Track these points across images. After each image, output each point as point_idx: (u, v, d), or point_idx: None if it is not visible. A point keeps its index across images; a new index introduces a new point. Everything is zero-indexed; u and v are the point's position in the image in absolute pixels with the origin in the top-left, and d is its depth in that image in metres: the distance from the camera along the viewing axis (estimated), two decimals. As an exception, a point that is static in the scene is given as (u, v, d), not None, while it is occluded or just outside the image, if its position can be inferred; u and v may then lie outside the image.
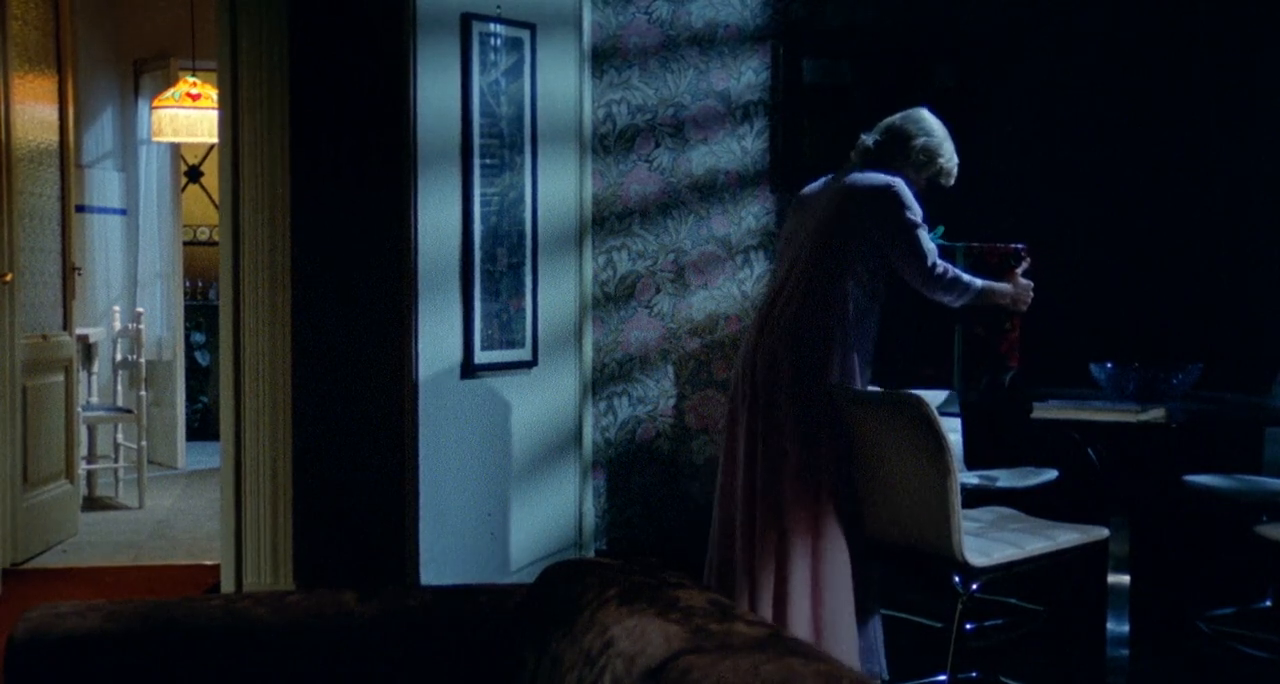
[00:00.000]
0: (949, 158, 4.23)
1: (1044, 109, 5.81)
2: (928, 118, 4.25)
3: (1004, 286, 4.21)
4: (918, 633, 4.59)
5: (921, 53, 5.79)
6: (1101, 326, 5.57)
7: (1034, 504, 4.45)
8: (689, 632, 1.81)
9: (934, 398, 4.18)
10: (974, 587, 3.82)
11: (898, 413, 3.80)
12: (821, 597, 3.95)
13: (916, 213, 4.06)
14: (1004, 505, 4.43)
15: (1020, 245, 4.31)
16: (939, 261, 4.06)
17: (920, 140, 4.18)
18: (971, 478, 4.68)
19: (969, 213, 5.76)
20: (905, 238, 4.02)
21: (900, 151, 4.18)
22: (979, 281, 4.12)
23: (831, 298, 4.02)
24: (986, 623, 4.72)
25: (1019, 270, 4.26)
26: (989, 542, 3.87)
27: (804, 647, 1.75)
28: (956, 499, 3.71)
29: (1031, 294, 4.25)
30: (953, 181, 4.26)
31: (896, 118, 4.24)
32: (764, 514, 4.00)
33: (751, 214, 5.67)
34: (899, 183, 4.09)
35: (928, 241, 4.05)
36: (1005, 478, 4.79)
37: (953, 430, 4.53)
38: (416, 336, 4.71)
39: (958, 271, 4.09)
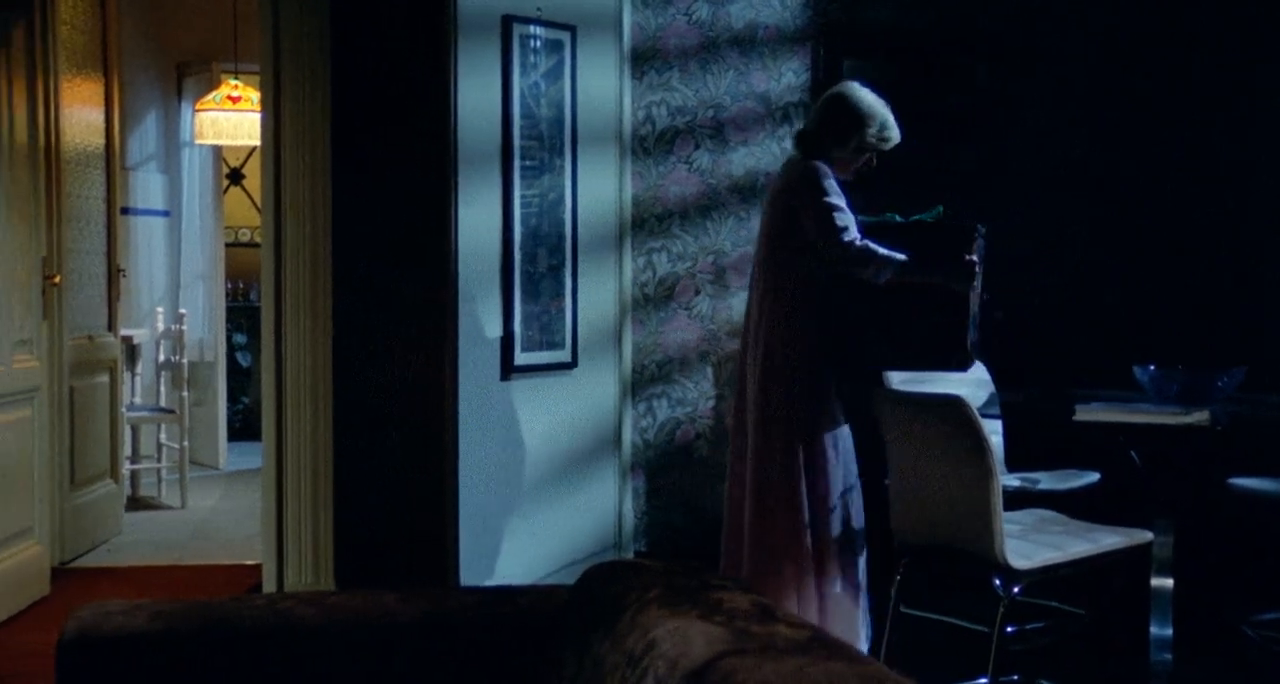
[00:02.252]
0: (893, 126, 4.21)
1: (1083, 108, 5.77)
2: (865, 97, 4.21)
3: (936, 263, 4.07)
4: (958, 636, 4.56)
5: (960, 53, 5.76)
6: (1145, 329, 5.52)
7: (1075, 507, 4.42)
8: (731, 634, 1.81)
9: (975, 399, 4.16)
10: (1015, 589, 3.80)
11: (938, 414, 3.78)
12: (818, 593, 4.04)
13: (833, 190, 4.04)
14: (1045, 508, 4.40)
15: (978, 225, 4.22)
16: (856, 237, 4.00)
17: (874, 128, 4.17)
18: (1012, 480, 4.66)
19: (1008, 212, 5.74)
20: (819, 214, 4.01)
21: (851, 136, 4.15)
22: (899, 256, 4.01)
23: (783, 285, 4.09)
24: (1027, 626, 4.69)
25: (973, 249, 4.13)
26: (1030, 544, 3.86)
27: (847, 650, 1.74)
28: (998, 501, 3.70)
29: (976, 271, 4.08)
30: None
31: (842, 105, 4.19)
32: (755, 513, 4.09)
33: (791, 215, 5.65)
34: (816, 164, 4.09)
35: (844, 218, 4.01)
36: (1047, 480, 4.76)
37: (993, 432, 4.51)
38: (457, 338, 4.73)
39: (875, 246, 4.01)
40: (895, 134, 4.19)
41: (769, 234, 4.16)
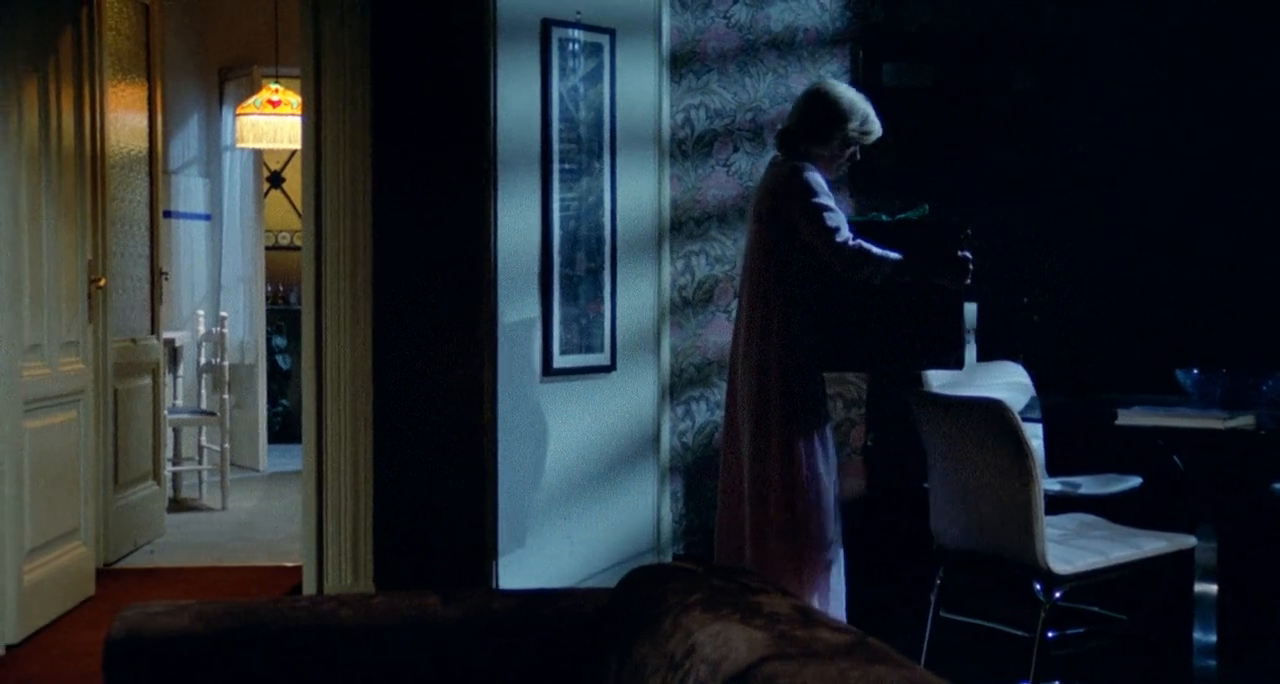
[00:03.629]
0: (874, 119, 4.19)
1: (1124, 110, 5.74)
2: (845, 92, 4.21)
3: (931, 262, 4.06)
4: (998, 640, 4.54)
5: (1000, 56, 5.74)
6: (1188, 331, 5.48)
7: (1117, 511, 4.39)
8: (773, 638, 1.80)
9: (1015, 402, 4.14)
10: (1057, 594, 3.78)
11: (979, 418, 3.77)
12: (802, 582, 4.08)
13: (821, 190, 4.03)
14: (1086, 512, 4.37)
15: (965, 222, 4.19)
16: (849, 237, 3.99)
17: (856, 123, 4.14)
18: (1053, 484, 4.63)
19: (1048, 214, 5.72)
20: (810, 215, 3.99)
21: (834, 132, 4.13)
22: (894, 255, 3.99)
23: (776, 287, 4.08)
24: (1068, 631, 4.66)
25: (964, 246, 4.08)
26: (1072, 549, 3.83)
27: (890, 654, 1.74)
28: (1040, 506, 3.68)
29: (968, 269, 4.03)
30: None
31: (823, 102, 4.16)
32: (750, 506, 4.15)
33: (830, 218, 5.64)
34: (801, 165, 4.08)
35: (835, 219, 4.00)
36: (1088, 484, 4.72)
37: (1034, 436, 4.49)
38: (496, 341, 4.75)
39: (869, 246, 3.99)
40: (877, 128, 4.17)
41: (758, 237, 4.14)
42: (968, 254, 4.00)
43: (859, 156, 4.22)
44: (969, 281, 4.01)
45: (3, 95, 4.60)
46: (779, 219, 4.06)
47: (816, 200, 4.00)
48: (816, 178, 4.04)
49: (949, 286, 4.05)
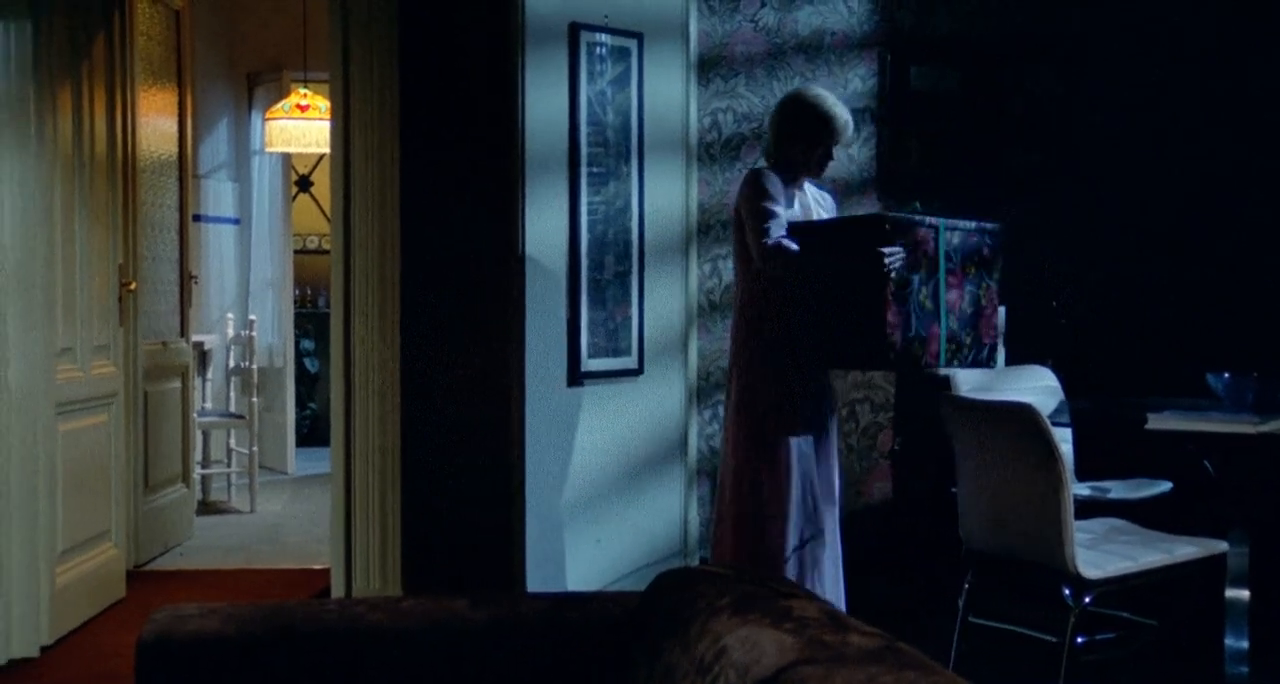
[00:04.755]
0: (847, 118, 4.28)
1: (1151, 114, 5.71)
2: (806, 94, 4.30)
3: (842, 255, 4.03)
4: (1027, 646, 4.52)
5: (1026, 59, 5.72)
6: (1218, 335, 5.45)
7: (1147, 516, 4.37)
8: (803, 642, 1.80)
9: (1044, 406, 4.13)
10: (1086, 599, 3.76)
11: (1008, 422, 3.75)
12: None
13: (768, 193, 4.13)
14: (1116, 517, 4.35)
15: (883, 216, 4.15)
16: (771, 237, 4.07)
17: (806, 123, 4.23)
18: (1083, 489, 4.61)
19: (1076, 218, 5.69)
20: (750, 217, 4.13)
21: (792, 134, 4.25)
22: (793, 247, 4.04)
23: (743, 288, 4.24)
24: (1098, 637, 4.64)
25: (888, 240, 3.96)
26: (1102, 554, 3.82)
27: (920, 659, 1.74)
28: (1069, 510, 3.66)
29: (887, 261, 3.88)
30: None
31: (782, 107, 4.31)
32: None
33: (858, 222, 5.63)
34: (758, 170, 4.23)
35: (768, 219, 4.08)
36: (1118, 489, 4.70)
37: (1063, 440, 4.47)
38: (524, 345, 4.76)
39: (786, 243, 4.05)
40: (834, 126, 4.23)
41: (735, 241, 4.31)
42: (887, 247, 3.88)
43: (831, 156, 4.28)
44: (889, 274, 3.87)
45: (37, 100, 4.64)
46: (740, 223, 4.21)
47: (757, 202, 4.14)
48: (766, 181, 4.16)
49: (868, 282, 3.98)
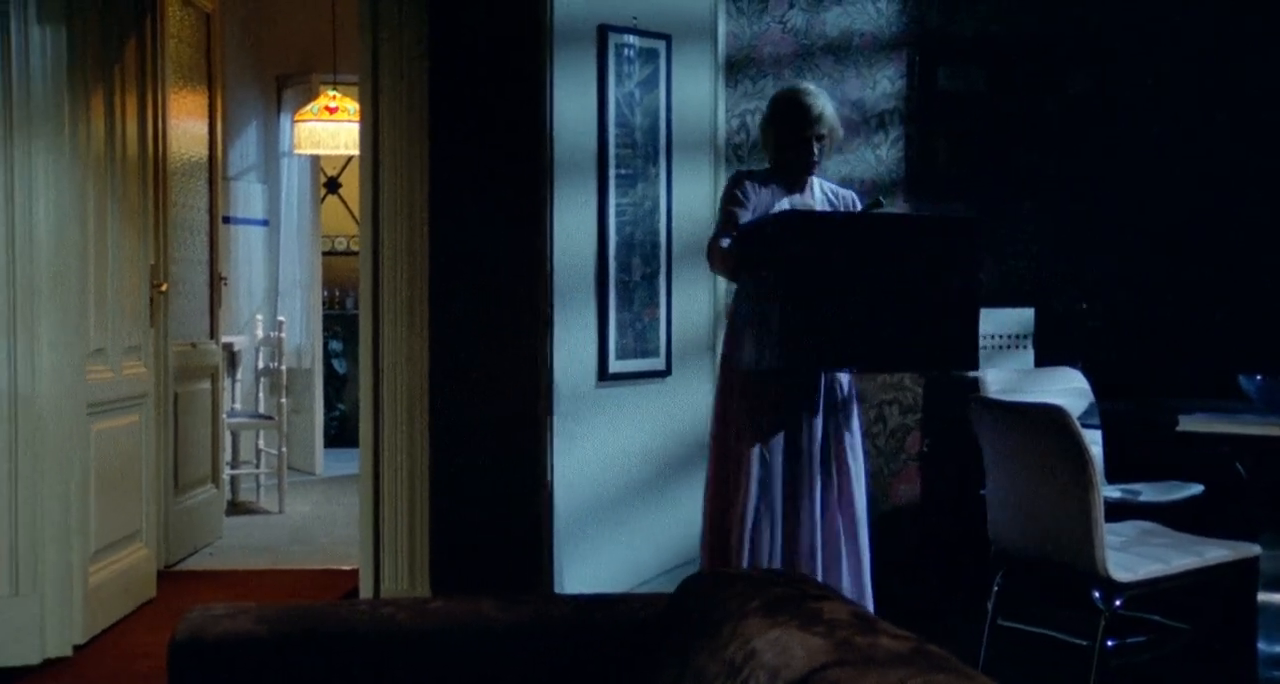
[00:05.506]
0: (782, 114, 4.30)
1: (1183, 113, 5.68)
2: (787, 88, 4.37)
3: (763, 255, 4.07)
4: (1057, 649, 4.50)
5: (1055, 59, 5.70)
6: (1250, 336, 5.42)
7: (1178, 519, 4.34)
8: (833, 645, 1.80)
9: (1074, 408, 4.11)
10: (1116, 602, 3.74)
11: (1038, 424, 3.74)
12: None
13: (735, 197, 4.21)
14: (1146, 520, 4.33)
15: (795, 211, 4.15)
16: (721, 236, 4.15)
17: (774, 122, 4.29)
18: (1113, 491, 4.58)
19: (1107, 218, 5.66)
20: (717, 220, 4.27)
21: (765, 134, 4.34)
22: (725, 246, 4.12)
23: (739, 287, 4.29)
24: (1128, 640, 4.61)
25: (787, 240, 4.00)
26: (1132, 556, 3.80)
27: (951, 661, 1.73)
28: (1099, 513, 3.64)
29: (794, 263, 3.96)
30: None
31: (777, 106, 4.31)
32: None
33: (886, 223, 5.62)
34: (739, 172, 4.37)
35: (724, 220, 4.17)
36: (1148, 492, 4.67)
37: (1093, 442, 4.45)
38: (552, 346, 4.76)
39: (723, 243, 4.13)
40: (813, 110, 4.22)
41: None
42: (798, 249, 3.91)
43: (813, 152, 4.25)
44: (790, 275, 3.90)
45: (71, 103, 4.67)
46: None
47: (721, 205, 4.26)
48: (734, 184, 4.26)
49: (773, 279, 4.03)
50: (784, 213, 4.15)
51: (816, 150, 4.25)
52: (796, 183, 4.30)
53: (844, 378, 4.24)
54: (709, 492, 4.28)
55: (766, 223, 4.11)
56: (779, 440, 4.10)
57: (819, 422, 4.15)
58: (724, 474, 4.19)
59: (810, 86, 4.35)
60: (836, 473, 4.17)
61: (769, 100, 4.36)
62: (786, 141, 4.24)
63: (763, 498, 4.08)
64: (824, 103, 4.24)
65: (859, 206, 4.40)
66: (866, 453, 5.62)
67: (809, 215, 4.18)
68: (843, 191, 4.46)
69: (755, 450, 4.09)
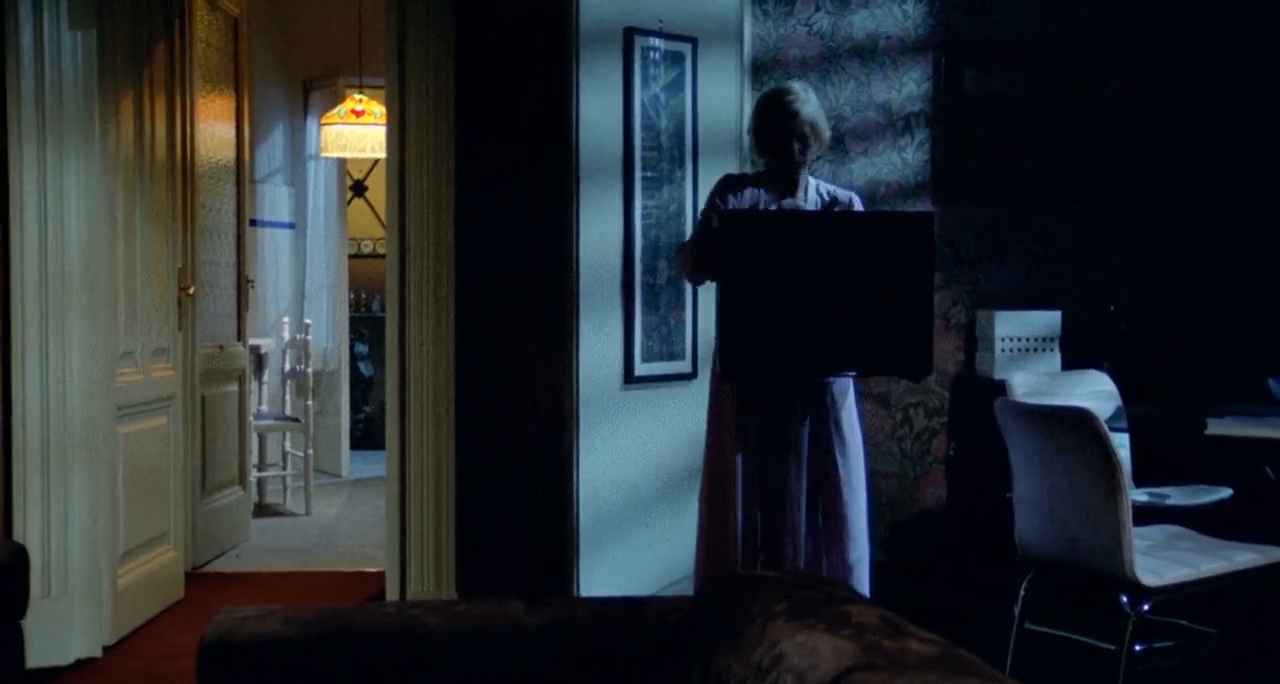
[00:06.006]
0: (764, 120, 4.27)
1: (1216, 115, 5.65)
2: (782, 91, 4.28)
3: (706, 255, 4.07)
4: (1084, 653, 4.48)
5: (1086, 62, 5.67)
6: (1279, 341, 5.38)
7: (1206, 523, 4.32)
8: (860, 648, 1.79)
9: (1101, 411, 4.09)
10: (1144, 607, 3.72)
11: (1065, 427, 3.72)
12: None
13: (712, 202, 4.22)
14: (1174, 524, 4.31)
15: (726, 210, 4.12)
16: (690, 238, 4.19)
17: (768, 100, 4.28)
18: (1140, 495, 4.56)
19: (1139, 220, 5.64)
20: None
21: (762, 120, 4.27)
22: (686, 248, 4.18)
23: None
24: (1156, 645, 4.59)
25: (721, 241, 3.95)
26: (1160, 561, 3.78)
27: (979, 665, 1.73)
28: (1127, 516, 3.63)
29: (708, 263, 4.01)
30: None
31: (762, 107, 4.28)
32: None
33: (912, 226, 5.60)
34: (726, 175, 4.33)
35: (705, 226, 4.16)
36: (1176, 495, 4.65)
37: (1121, 446, 4.43)
38: (578, 349, 4.77)
39: (687, 244, 4.20)
40: (781, 103, 4.20)
41: None
42: (737, 249, 3.87)
43: (793, 152, 4.19)
44: (725, 277, 3.86)
45: (101, 106, 4.71)
46: None
47: (704, 209, 4.28)
48: (717, 187, 4.27)
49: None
50: (725, 212, 4.08)
51: (797, 150, 4.18)
52: (788, 184, 4.23)
53: (839, 382, 4.15)
54: (702, 498, 4.27)
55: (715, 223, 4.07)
56: (768, 447, 4.04)
57: (805, 428, 4.05)
58: (716, 481, 4.16)
59: (795, 86, 4.28)
60: (827, 481, 4.08)
61: (788, 97, 4.26)
62: (769, 142, 4.21)
63: (751, 506, 4.04)
64: (804, 102, 4.18)
65: (860, 208, 4.36)
66: (893, 455, 5.61)
67: (748, 214, 4.13)
68: (841, 193, 4.36)
69: (740, 457, 4.06)
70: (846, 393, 4.20)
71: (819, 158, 5.50)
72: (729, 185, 4.24)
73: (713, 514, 4.17)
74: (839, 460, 4.12)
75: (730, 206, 4.13)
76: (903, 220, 4.04)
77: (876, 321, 3.70)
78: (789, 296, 3.73)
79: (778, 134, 4.17)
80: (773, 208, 4.19)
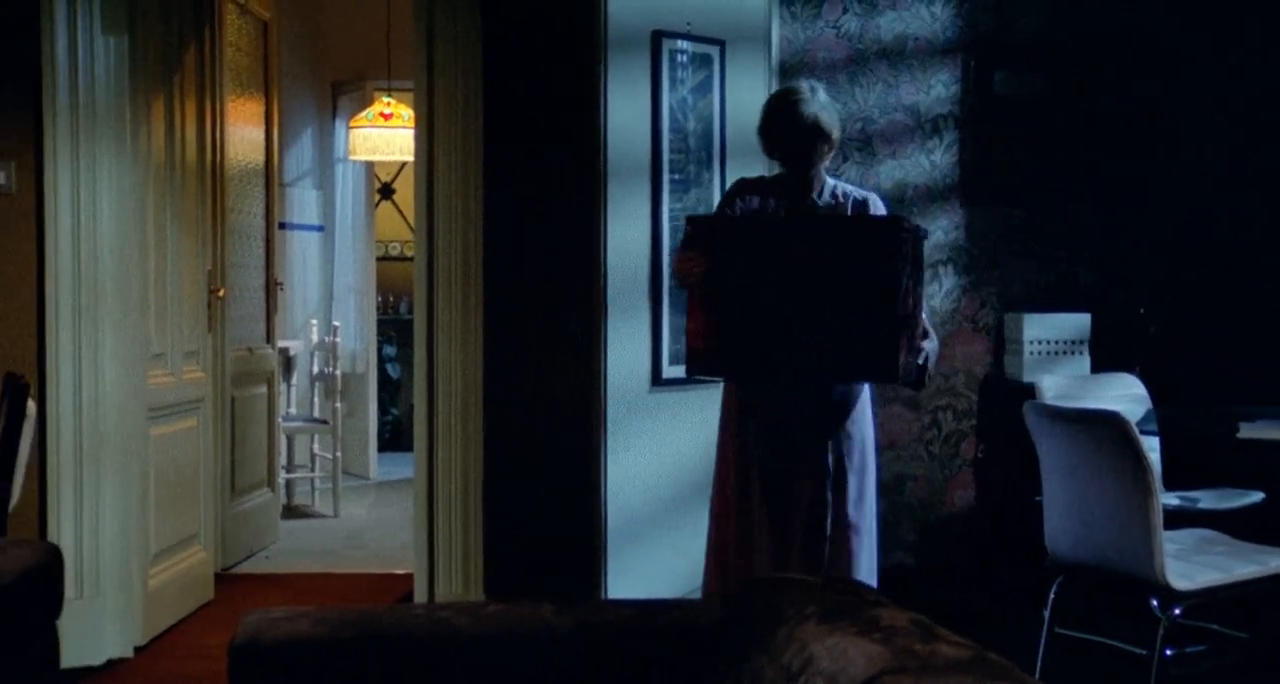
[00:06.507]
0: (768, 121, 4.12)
1: (1244, 117, 5.62)
2: (786, 93, 4.13)
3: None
4: (1114, 658, 4.46)
5: (1116, 63, 5.65)
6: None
7: (1237, 527, 4.30)
8: (891, 652, 1.79)
9: (1131, 414, 4.07)
10: (1175, 611, 3.70)
11: (1095, 430, 3.71)
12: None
13: (719, 206, 4.18)
14: (1205, 527, 4.28)
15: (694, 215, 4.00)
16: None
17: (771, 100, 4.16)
18: (1171, 498, 4.54)
19: (1168, 221, 5.61)
20: None
21: (764, 123, 4.12)
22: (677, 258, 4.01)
23: None
24: (1187, 649, 4.56)
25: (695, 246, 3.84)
26: (1191, 565, 3.76)
27: (1010, 669, 1.72)
28: (1158, 520, 3.61)
29: (679, 266, 3.84)
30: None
31: (773, 109, 4.10)
32: None
33: (940, 228, 5.60)
34: (738, 180, 4.23)
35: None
36: (1207, 499, 4.63)
37: (1151, 449, 4.41)
38: (605, 352, 4.77)
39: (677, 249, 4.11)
40: (781, 105, 4.07)
41: None
42: (681, 253, 3.83)
43: (797, 153, 4.04)
44: (689, 283, 3.78)
45: (133, 111, 4.74)
46: None
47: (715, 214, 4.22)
48: (728, 194, 4.19)
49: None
50: (692, 217, 4.00)
51: (803, 149, 4.02)
52: (800, 186, 4.09)
53: (845, 390, 3.99)
54: (712, 503, 4.15)
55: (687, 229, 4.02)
56: (767, 447, 3.95)
57: (807, 435, 3.92)
58: (722, 486, 4.11)
59: (802, 85, 4.10)
60: (830, 490, 3.91)
61: (792, 98, 4.07)
62: (775, 142, 4.06)
63: (750, 513, 3.96)
64: (808, 101, 4.00)
65: (880, 210, 4.15)
66: (922, 458, 5.60)
67: (713, 219, 4.08)
68: (857, 193, 4.16)
69: (739, 463, 3.98)
70: (856, 401, 4.03)
71: (836, 157, 5.48)
72: (739, 190, 4.14)
73: (717, 518, 4.12)
74: (847, 474, 3.96)
75: (739, 211, 4.09)
76: (871, 224, 3.88)
77: (844, 326, 3.61)
78: (756, 301, 3.69)
79: (782, 134, 4.03)
80: (780, 213, 4.10)
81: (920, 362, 3.78)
